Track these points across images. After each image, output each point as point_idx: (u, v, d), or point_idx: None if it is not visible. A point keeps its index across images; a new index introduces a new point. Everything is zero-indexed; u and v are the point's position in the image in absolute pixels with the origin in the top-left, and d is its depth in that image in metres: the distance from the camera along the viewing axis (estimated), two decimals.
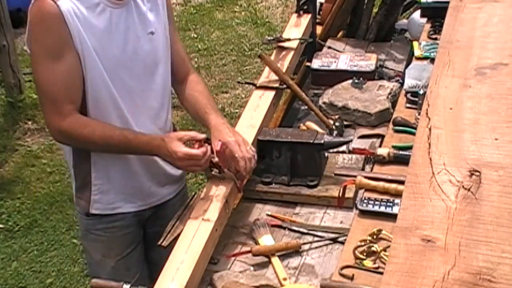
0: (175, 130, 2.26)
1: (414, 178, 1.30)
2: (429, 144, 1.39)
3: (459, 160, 1.32)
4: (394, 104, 2.56)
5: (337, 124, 2.45)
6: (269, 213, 2.11)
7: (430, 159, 1.34)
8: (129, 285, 1.76)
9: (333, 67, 2.84)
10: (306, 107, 2.60)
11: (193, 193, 2.08)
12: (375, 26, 3.35)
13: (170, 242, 1.89)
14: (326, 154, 2.28)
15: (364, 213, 1.97)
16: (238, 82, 5.04)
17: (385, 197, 2.01)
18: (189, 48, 5.97)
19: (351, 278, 1.74)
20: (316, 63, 2.88)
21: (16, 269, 3.48)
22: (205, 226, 1.87)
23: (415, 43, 2.97)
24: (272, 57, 2.67)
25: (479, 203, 1.20)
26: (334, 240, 1.95)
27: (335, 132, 2.42)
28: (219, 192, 1.99)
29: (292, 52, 2.71)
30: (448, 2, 2.10)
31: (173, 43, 2.18)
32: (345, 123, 2.50)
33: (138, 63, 2.03)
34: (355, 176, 2.11)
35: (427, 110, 1.52)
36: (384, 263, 1.73)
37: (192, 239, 1.82)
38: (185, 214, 1.95)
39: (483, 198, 1.21)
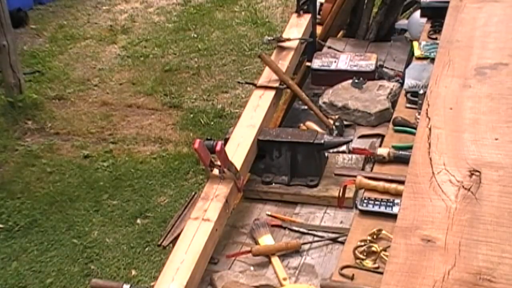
0: None
1: (414, 178, 1.30)
2: (429, 144, 1.39)
3: (459, 160, 1.32)
4: (394, 104, 2.56)
5: (337, 124, 2.45)
6: (269, 213, 2.11)
7: (430, 159, 1.34)
8: (129, 285, 1.76)
9: (333, 67, 2.83)
10: (306, 107, 2.60)
11: (193, 193, 2.08)
12: (375, 26, 3.35)
13: (170, 242, 1.89)
14: (326, 154, 2.28)
15: (364, 213, 1.97)
16: (238, 82, 5.04)
17: (385, 197, 2.01)
18: (189, 48, 5.97)
19: (351, 278, 1.74)
20: (316, 63, 2.88)
21: (16, 269, 3.48)
22: (205, 226, 1.86)
23: (415, 43, 2.97)
24: (272, 57, 2.67)
25: (479, 203, 1.20)
26: (334, 240, 1.95)
27: (335, 132, 2.41)
28: (219, 192, 1.99)
29: (292, 52, 2.70)
30: (448, 2, 2.10)
31: None
32: (345, 123, 2.50)
33: None
34: (355, 176, 2.10)
35: (427, 110, 1.52)
36: (384, 263, 1.73)
37: (192, 239, 1.82)
38: (185, 214, 1.95)
39: (483, 198, 1.21)
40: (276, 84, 2.51)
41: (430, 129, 1.44)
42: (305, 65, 3.01)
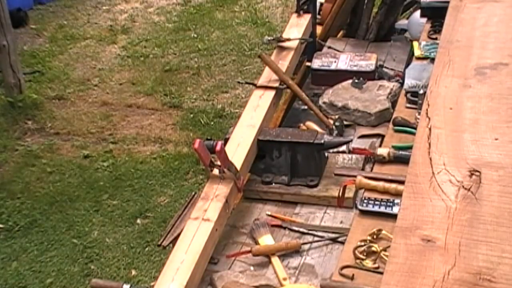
0: None
1: (414, 178, 1.30)
2: (429, 144, 1.39)
3: (459, 160, 1.32)
4: (394, 104, 2.56)
5: (337, 124, 2.45)
6: (269, 213, 2.11)
7: (430, 159, 1.34)
8: (129, 285, 1.76)
9: (333, 67, 2.83)
10: (306, 107, 2.60)
11: (193, 193, 2.08)
12: (375, 26, 3.35)
13: (170, 242, 1.89)
14: (326, 154, 2.28)
15: (364, 213, 1.97)
16: (238, 82, 5.04)
17: (385, 197, 2.01)
18: (189, 48, 5.97)
19: (351, 278, 1.74)
20: (316, 63, 2.88)
21: (16, 269, 3.48)
22: (205, 226, 1.86)
23: (415, 43, 2.97)
24: (272, 57, 2.67)
25: (479, 203, 1.20)
26: (334, 240, 1.95)
27: (335, 132, 2.42)
28: (219, 192, 1.99)
29: (292, 52, 2.70)
30: (448, 2, 2.10)
31: None
32: (345, 123, 2.50)
33: None
34: (355, 176, 2.11)
35: (427, 110, 1.52)
36: (384, 263, 1.73)
37: (192, 239, 1.82)
38: (185, 214, 1.95)
39: (483, 198, 1.21)
40: (276, 84, 2.51)
41: (430, 129, 1.44)
42: (305, 65, 3.01)
